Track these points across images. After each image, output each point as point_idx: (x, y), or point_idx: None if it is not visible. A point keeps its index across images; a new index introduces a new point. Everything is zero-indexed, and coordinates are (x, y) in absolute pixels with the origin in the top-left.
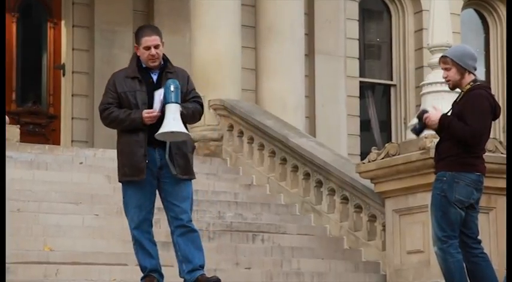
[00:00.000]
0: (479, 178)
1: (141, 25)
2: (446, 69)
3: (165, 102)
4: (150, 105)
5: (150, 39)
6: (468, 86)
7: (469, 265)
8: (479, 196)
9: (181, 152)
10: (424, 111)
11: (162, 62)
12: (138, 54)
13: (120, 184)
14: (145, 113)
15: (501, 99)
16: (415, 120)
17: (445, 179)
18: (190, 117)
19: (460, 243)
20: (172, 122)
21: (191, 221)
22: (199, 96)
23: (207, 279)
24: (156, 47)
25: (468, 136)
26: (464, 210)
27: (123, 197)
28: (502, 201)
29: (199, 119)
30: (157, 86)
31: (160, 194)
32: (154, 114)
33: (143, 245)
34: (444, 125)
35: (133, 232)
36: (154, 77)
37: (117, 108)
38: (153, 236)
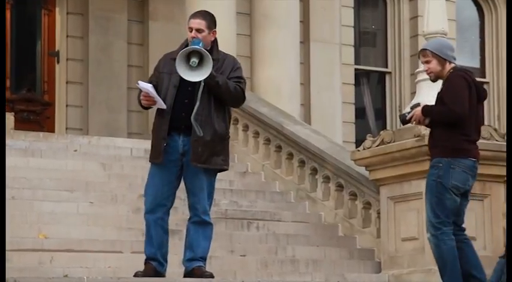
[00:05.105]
0: (474, 164)
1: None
2: (427, 62)
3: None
4: (182, 89)
5: (193, 22)
6: (448, 74)
7: None
8: (473, 182)
9: (203, 140)
10: (417, 105)
11: (208, 48)
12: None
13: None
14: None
15: (496, 87)
16: (408, 109)
17: (441, 165)
18: (225, 88)
19: None
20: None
21: (206, 212)
22: (240, 82)
23: (201, 273)
24: (198, 30)
25: (448, 115)
26: (459, 197)
27: (147, 179)
28: (496, 189)
29: (241, 102)
30: None
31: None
32: (150, 94)
33: (149, 230)
34: (429, 114)
35: (145, 216)
36: None
37: None
38: (167, 224)
